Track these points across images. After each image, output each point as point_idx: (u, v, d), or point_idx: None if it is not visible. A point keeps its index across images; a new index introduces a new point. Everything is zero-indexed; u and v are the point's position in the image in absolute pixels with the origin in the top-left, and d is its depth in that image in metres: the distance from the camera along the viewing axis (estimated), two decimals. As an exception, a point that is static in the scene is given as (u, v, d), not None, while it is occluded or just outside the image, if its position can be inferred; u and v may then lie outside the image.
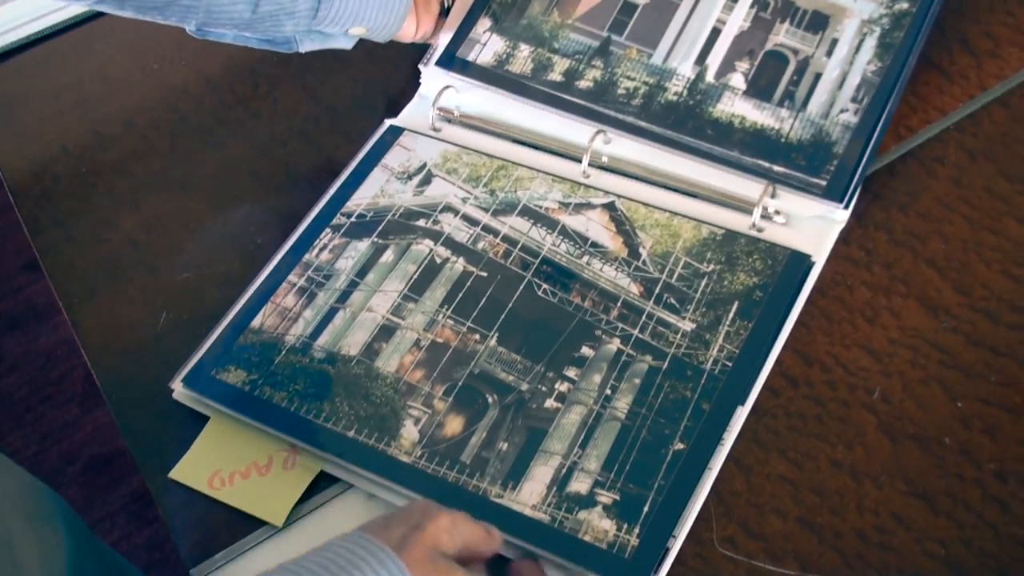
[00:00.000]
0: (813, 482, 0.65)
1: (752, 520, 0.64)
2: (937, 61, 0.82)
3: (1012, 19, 0.84)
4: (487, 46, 0.86)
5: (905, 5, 0.79)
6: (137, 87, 0.94)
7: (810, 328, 0.71)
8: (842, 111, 0.77)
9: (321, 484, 0.68)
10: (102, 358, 0.77)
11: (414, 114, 0.87)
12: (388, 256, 0.77)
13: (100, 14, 0.99)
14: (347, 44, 0.84)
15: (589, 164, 0.80)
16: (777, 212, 0.75)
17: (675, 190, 0.78)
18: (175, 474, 0.69)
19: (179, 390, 0.72)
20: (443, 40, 0.87)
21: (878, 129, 0.75)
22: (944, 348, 0.69)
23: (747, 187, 0.75)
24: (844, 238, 0.74)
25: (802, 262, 0.72)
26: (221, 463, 0.69)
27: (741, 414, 0.66)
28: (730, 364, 0.68)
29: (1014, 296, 0.71)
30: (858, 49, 0.79)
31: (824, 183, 0.74)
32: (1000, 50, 0.83)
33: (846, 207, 0.73)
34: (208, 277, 0.79)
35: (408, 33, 0.85)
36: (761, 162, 0.76)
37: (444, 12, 0.88)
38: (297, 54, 0.83)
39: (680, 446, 0.65)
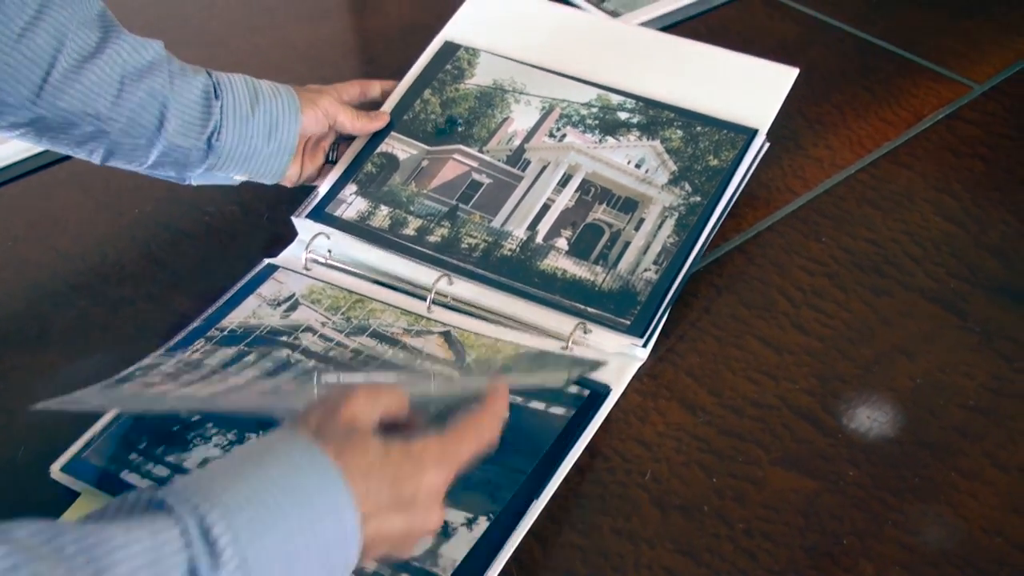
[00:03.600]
0: (599, 547, 0.77)
1: (549, 581, 0.75)
2: (688, 219, 1.00)
3: (745, 188, 1.03)
4: (352, 205, 1.00)
5: (698, 199, 0.96)
6: (-8, 260, 1.04)
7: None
8: (645, 270, 0.92)
9: None
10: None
11: (291, 254, 1.00)
12: (250, 358, 0.89)
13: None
14: (235, 182, 0.97)
15: (433, 302, 0.93)
16: (587, 347, 0.89)
17: (504, 325, 0.92)
18: None
19: (56, 472, 0.83)
20: (322, 190, 1.01)
21: (674, 286, 0.90)
22: (701, 438, 0.83)
23: (563, 324, 0.90)
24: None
25: (599, 390, 0.86)
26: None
27: (536, 507, 0.78)
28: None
29: (755, 395, 0.86)
30: (660, 226, 0.95)
31: (628, 322, 0.89)
32: (738, 211, 1.01)
33: (645, 345, 0.88)
34: (63, 413, 0.88)
35: (292, 178, 0.99)
36: (577, 304, 0.90)
37: (328, 160, 1.03)
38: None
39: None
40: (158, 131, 0.88)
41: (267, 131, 0.93)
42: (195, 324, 0.93)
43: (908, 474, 0.80)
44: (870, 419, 0.84)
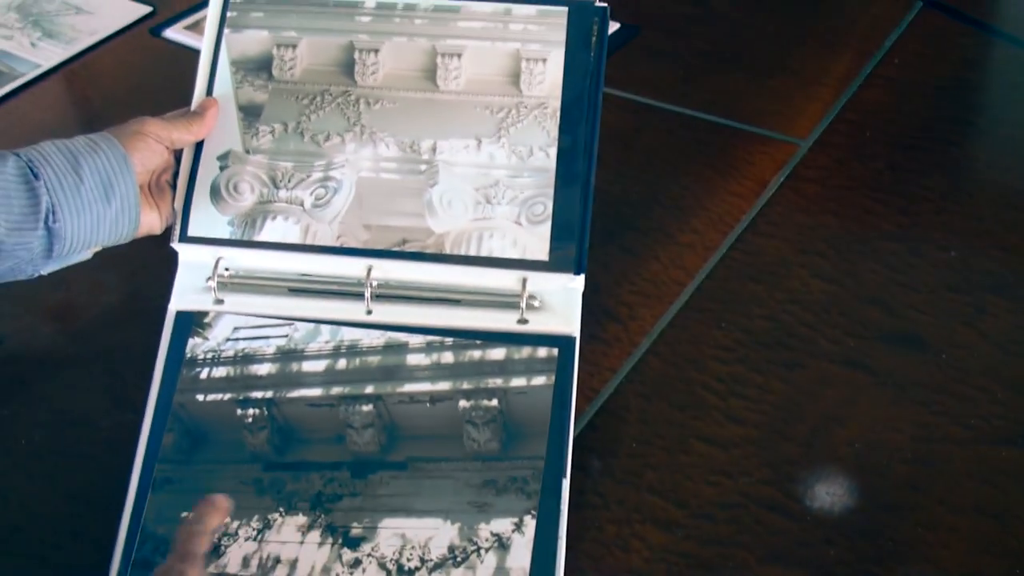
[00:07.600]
0: None
1: None
2: (593, 333, 1.02)
3: (635, 287, 1.06)
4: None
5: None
6: None
7: (582, 568, 0.85)
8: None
9: None
10: None
11: (187, 289, 0.91)
12: None
13: None
14: (88, 256, 0.87)
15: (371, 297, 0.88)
16: (532, 298, 0.87)
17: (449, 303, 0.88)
18: None
19: None
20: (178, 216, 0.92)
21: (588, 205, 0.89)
22: (686, 553, 0.86)
23: (504, 279, 0.88)
24: (578, 489, 0.90)
25: (565, 344, 0.86)
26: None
27: (566, 484, 0.81)
28: None
29: (719, 498, 0.89)
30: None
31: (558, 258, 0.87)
32: (636, 312, 1.05)
33: (578, 273, 0.87)
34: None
35: (154, 227, 0.90)
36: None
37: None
38: None
39: None
40: None
41: (103, 191, 0.83)
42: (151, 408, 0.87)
43: (881, 540, 0.85)
44: (829, 494, 0.89)
